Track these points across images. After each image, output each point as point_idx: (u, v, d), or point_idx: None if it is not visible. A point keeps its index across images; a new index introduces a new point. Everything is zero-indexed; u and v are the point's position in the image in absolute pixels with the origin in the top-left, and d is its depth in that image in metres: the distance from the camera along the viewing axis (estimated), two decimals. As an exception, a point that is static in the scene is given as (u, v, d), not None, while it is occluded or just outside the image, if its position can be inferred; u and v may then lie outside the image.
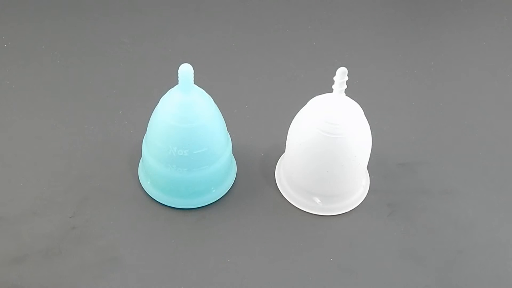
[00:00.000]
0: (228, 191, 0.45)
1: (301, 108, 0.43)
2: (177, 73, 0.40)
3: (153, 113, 0.43)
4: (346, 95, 0.41)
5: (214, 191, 0.45)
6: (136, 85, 0.54)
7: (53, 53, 0.57)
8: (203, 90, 0.42)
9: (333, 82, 0.40)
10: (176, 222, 0.43)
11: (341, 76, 0.39)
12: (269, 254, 0.42)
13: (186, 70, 0.39)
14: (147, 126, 0.44)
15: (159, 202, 0.44)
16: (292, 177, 0.45)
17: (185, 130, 0.41)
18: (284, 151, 0.47)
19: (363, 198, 0.46)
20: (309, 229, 0.44)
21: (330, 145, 0.41)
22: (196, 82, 0.41)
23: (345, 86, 0.40)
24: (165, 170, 0.42)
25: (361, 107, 0.42)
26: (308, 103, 0.42)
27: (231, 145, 0.45)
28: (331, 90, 0.41)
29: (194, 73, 0.40)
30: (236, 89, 0.54)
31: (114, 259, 0.41)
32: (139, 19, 0.62)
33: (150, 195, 0.45)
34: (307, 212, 0.45)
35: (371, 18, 0.64)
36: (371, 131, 0.43)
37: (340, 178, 0.43)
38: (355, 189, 0.45)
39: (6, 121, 0.50)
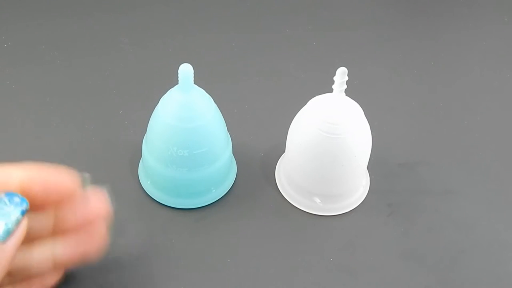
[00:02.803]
0: (228, 191, 0.45)
1: (301, 108, 0.43)
2: (177, 73, 0.40)
3: (153, 113, 0.43)
4: (346, 95, 0.41)
5: (214, 191, 0.45)
6: (136, 85, 0.54)
7: (53, 53, 0.57)
8: (203, 90, 0.42)
9: (333, 82, 0.40)
10: (176, 222, 0.43)
11: (341, 76, 0.39)
12: (269, 254, 0.42)
13: (186, 70, 0.39)
14: (147, 126, 0.44)
15: (159, 202, 0.44)
16: (292, 177, 0.45)
17: (185, 130, 0.41)
18: (284, 151, 0.47)
19: (363, 198, 0.46)
20: (309, 229, 0.44)
21: (330, 145, 0.41)
22: (196, 82, 0.41)
23: (345, 86, 0.40)
24: (165, 170, 0.42)
25: (361, 107, 0.42)
26: (308, 103, 0.42)
27: (231, 145, 0.45)
28: (331, 90, 0.41)
29: (194, 73, 0.40)
30: (236, 89, 0.54)
31: (114, 259, 0.41)
32: (139, 19, 0.62)
33: (150, 195, 0.45)
34: (307, 212, 0.45)
35: (371, 18, 0.64)
36: (371, 131, 0.43)
37: (340, 178, 0.43)
38: (355, 189, 0.45)
39: (5, 121, 0.50)
